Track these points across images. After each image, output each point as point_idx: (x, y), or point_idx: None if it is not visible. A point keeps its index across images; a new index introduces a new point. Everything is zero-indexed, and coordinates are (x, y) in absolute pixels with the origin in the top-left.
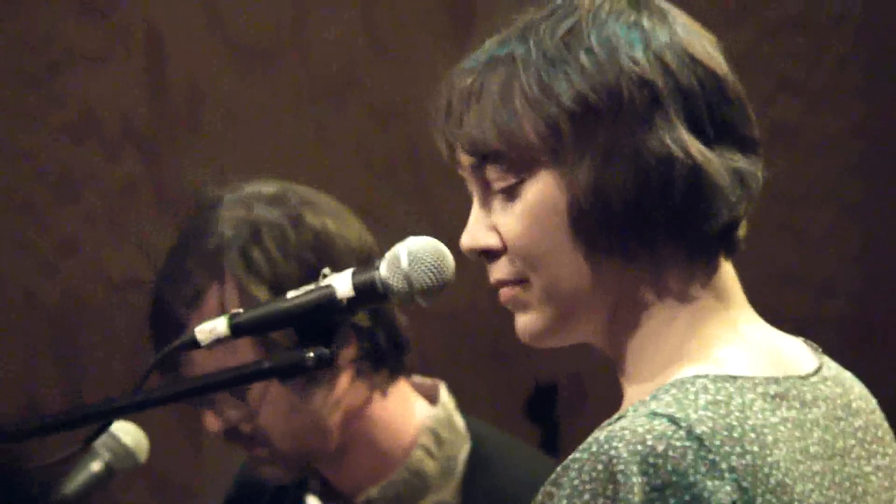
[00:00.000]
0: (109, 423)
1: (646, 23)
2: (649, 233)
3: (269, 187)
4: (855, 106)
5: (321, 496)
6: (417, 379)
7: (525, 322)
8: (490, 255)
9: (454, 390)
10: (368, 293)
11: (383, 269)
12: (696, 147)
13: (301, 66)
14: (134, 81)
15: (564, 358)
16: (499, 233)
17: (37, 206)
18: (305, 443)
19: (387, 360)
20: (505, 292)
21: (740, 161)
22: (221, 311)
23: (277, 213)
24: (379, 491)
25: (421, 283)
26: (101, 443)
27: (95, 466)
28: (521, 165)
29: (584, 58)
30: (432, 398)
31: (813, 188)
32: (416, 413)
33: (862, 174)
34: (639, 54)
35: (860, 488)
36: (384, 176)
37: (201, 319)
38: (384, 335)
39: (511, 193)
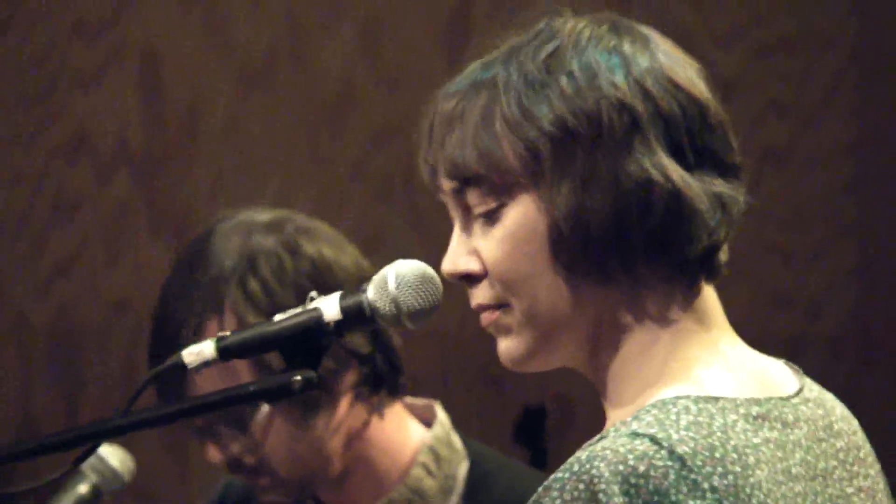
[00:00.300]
0: (97, 446)
1: (627, 48)
2: (629, 256)
3: (264, 215)
4: (845, 127)
5: None
6: (410, 400)
7: (507, 346)
8: (471, 279)
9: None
10: (356, 316)
11: (371, 292)
12: (675, 172)
13: (298, 87)
14: (129, 101)
15: (553, 381)
16: (480, 257)
17: (31, 227)
18: (308, 469)
19: (385, 383)
20: (486, 317)
21: (721, 186)
22: None
23: (274, 241)
24: None
25: (409, 307)
26: (88, 465)
27: (82, 489)
28: (500, 189)
29: (564, 82)
30: (428, 418)
31: (803, 208)
32: (412, 434)
33: (852, 194)
34: (619, 79)
35: None
36: (380, 196)
37: None
38: (382, 358)
39: (491, 217)
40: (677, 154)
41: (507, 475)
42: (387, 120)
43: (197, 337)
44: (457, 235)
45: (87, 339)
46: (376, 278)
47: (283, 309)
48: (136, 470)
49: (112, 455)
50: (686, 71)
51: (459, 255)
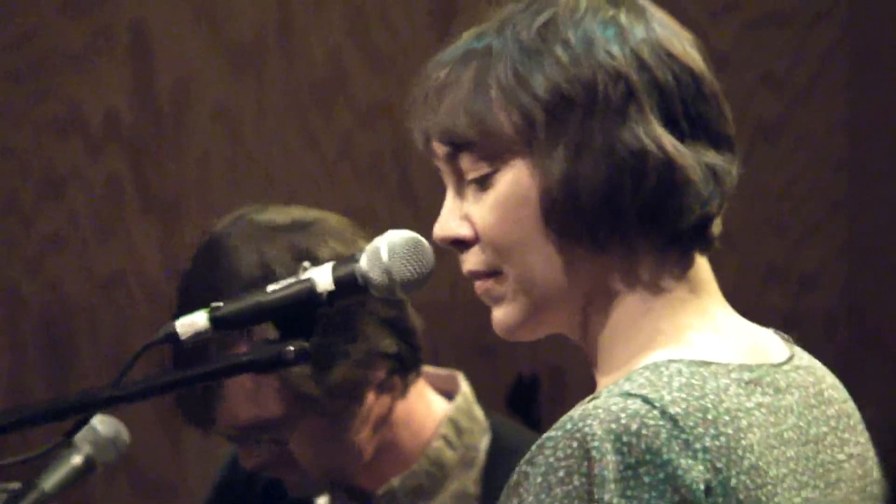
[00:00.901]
0: (90, 417)
1: (623, 19)
2: (621, 225)
3: (279, 216)
4: (839, 101)
5: (345, 492)
6: (432, 370)
7: (500, 315)
8: (462, 244)
9: None
10: (349, 286)
11: (363, 262)
12: (669, 141)
13: (287, 67)
14: (119, 79)
15: (546, 351)
16: (471, 223)
17: (21, 203)
18: (338, 465)
19: (410, 370)
20: (479, 285)
21: (714, 157)
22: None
23: (287, 247)
24: (399, 482)
25: (401, 276)
26: (80, 436)
27: (76, 460)
28: (493, 155)
29: (559, 50)
30: (450, 390)
31: (796, 183)
32: (434, 407)
33: (846, 169)
34: (615, 48)
35: (833, 475)
36: (370, 177)
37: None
38: (407, 349)
39: (484, 183)
40: (672, 124)
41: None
42: (375, 100)
43: (222, 351)
44: (449, 200)
45: (78, 315)
46: (369, 248)
47: None
48: (130, 442)
49: (106, 425)
50: (681, 42)
51: (451, 220)
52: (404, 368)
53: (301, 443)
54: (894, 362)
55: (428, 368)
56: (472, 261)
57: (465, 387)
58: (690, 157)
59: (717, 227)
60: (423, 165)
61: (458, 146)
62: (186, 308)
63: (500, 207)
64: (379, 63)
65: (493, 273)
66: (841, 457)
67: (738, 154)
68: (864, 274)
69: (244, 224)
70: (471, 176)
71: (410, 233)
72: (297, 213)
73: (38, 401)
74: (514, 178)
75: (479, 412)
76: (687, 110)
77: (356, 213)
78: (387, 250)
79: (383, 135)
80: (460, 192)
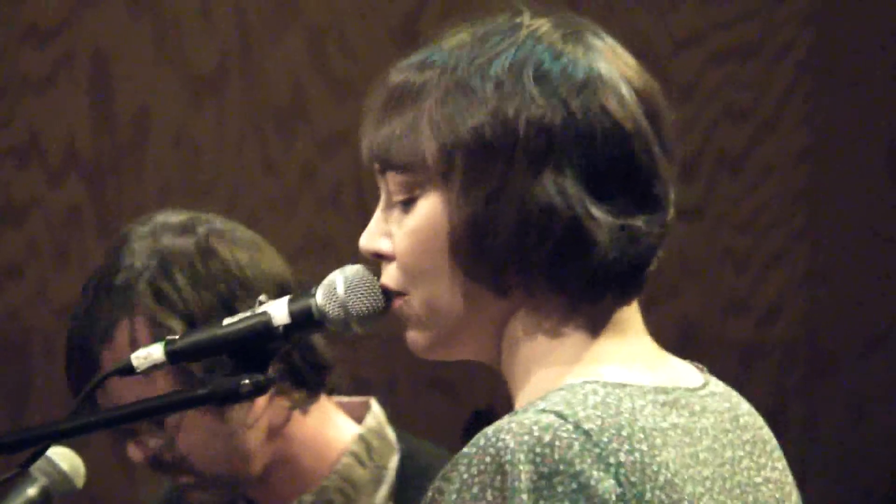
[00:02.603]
0: (45, 448)
1: (566, 62)
2: (525, 274)
3: (177, 216)
4: (801, 133)
5: None
6: (345, 399)
7: (410, 336)
8: (383, 258)
9: (393, 416)
10: (305, 320)
11: (319, 297)
12: (580, 201)
13: (247, 94)
14: (79, 107)
15: (504, 385)
16: (392, 240)
17: None
18: (229, 466)
19: (305, 379)
20: (395, 301)
21: (634, 218)
22: (134, 345)
23: (186, 243)
24: (312, 498)
25: (357, 310)
26: (37, 467)
27: (32, 491)
28: (415, 182)
29: (490, 91)
30: (362, 414)
31: (758, 214)
32: (341, 429)
33: (807, 201)
34: (543, 98)
35: (751, 497)
36: (330, 203)
37: (114, 354)
38: (299, 355)
39: (405, 207)
40: (592, 181)
41: (441, 466)
42: (336, 127)
43: (106, 343)
44: (378, 213)
45: (35, 343)
46: (325, 282)
47: (198, 310)
48: (86, 473)
49: (62, 458)
50: (622, 95)
51: (375, 234)
52: (298, 377)
53: (189, 437)
54: (853, 393)
55: (343, 398)
56: (387, 276)
57: (376, 408)
58: (602, 218)
59: (649, 269)
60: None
61: (385, 166)
62: (84, 305)
63: (414, 234)
64: (340, 90)
65: (401, 293)
66: (758, 480)
67: (667, 209)
68: (825, 305)
69: (142, 224)
70: (395, 198)
71: (363, 267)
72: (199, 214)
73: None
74: (431, 208)
75: (390, 432)
76: (611, 168)
77: (316, 241)
78: (342, 284)
79: (344, 163)
80: (388, 208)
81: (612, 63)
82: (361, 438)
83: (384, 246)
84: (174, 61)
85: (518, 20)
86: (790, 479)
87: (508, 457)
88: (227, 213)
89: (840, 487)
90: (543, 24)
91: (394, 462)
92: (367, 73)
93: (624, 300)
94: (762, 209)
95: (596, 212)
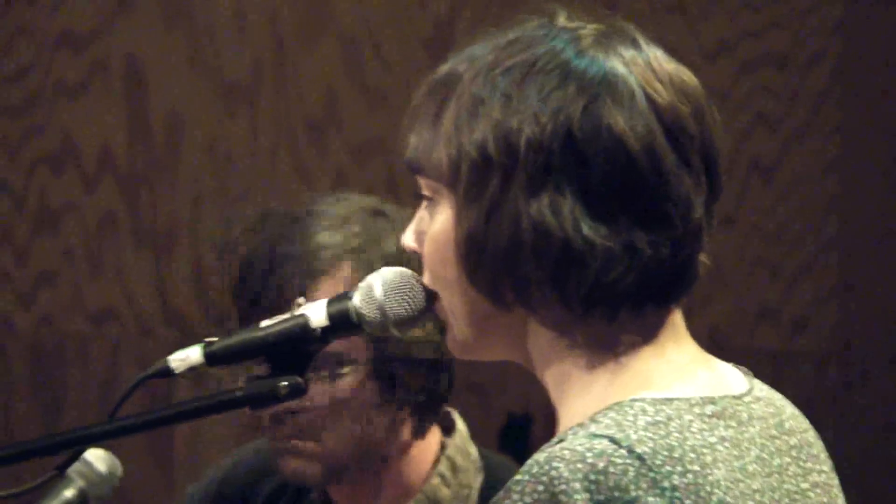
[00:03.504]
0: (83, 450)
1: (580, 71)
2: (520, 290)
3: (364, 201)
4: (831, 143)
5: None
6: None
7: (449, 336)
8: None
9: None
10: (342, 323)
11: (357, 299)
12: (574, 222)
13: (281, 101)
14: (114, 113)
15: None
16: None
17: (15, 237)
18: (350, 452)
19: (428, 406)
20: (437, 304)
21: (637, 235)
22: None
23: (384, 223)
24: None
25: (395, 313)
26: (74, 469)
27: (69, 493)
28: (435, 187)
29: (499, 106)
30: (446, 425)
31: (789, 224)
32: (430, 441)
33: (838, 210)
34: (544, 116)
35: None
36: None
37: (335, 286)
38: (431, 395)
39: (431, 211)
40: (591, 201)
41: None
42: (369, 135)
43: (328, 273)
44: (419, 212)
45: (70, 350)
46: (362, 285)
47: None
48: (122, 475)
49: (99, 459)
50: (638, 109)
51: (412, 232)
52: (428, 414)
53: (346, 410)
54: (884, 403)
55: None
56: (425, 275)
57: (460, 424)
58: (595, 240)
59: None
60: (416, 201)
61: (413, 171)
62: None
63: (433, 241)
64: (373, 98)
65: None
66: (805, 486)
67: (673, 229)
68: (855, 315)
69: (329, 202)
70: (425, 201)
71: (404, 270)
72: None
73: (32, 436)
74: (445, 217)
75: (473, 450)
76: (611, 188)
77: None
78: (380, 287)
79: (377, 171)
80: (425, 210)
81: (634, 72)
82: (447, 458)
83: (419, 247)
84: (208, 69)
85: (552, 23)
86: (836, 481)
87: (563, 486)
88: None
89: (870, 498)
90: (576, 28)
91: (478, 482)
92: (400, 81)
93: (648, 313)
94: (793, 218)
95: (589, 233)
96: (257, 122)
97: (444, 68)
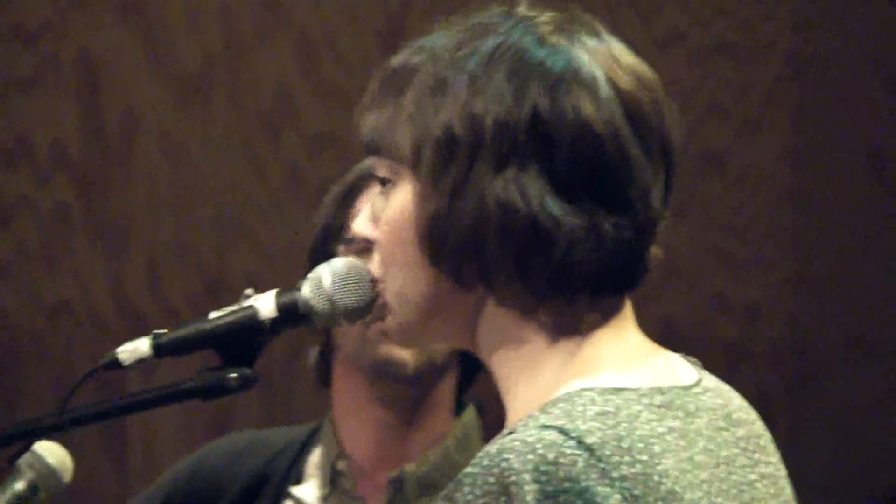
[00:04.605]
0: (32, 442)
1: (544, 55)
2: (486, 270)
3: None
4: (785, 132)
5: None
6: None
7: (386, 324)
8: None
9: None
10: (291, 314)
11: (306, 290)
12: (540, 200)
13: (234, 96)
14: (66, 108)
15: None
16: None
17: None
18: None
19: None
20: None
21: (603, 220)
22: None
23: None
24: (414, 468)
25: (344, 304)
26: (24, 462)
27: (19, 486)
28: (392, 168)
29: (464, 87)
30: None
31: (742, 214)
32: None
33: (791, 200)
34: (511, 97)
35: (747, 495)
36: (317, 205)
37: None
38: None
39: (387, 193)
40: (556, 182)
41: None
42: (322, 129)
43: None
44: (371, 199)
45: (24, 345)
46: (312, 276)
47: None
48: (73, 468)
49: (49, 452)
50: (602, 94)
51: (366, 219)
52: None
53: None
54: (840, 393)
55: None
56: (373, 262)
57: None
58: (562, 218)
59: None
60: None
61: (371, 152)
62: None
63: (391, 221)
64: (327, 91)
65: (380, 280)
66: (753, 477)
67: (641, 213)
68: (810, 304)
69: None
70: (380, 182)
71: (354, 261)
72: None
73: None
74: (403, 198)
75: (478, 442)
76: (577, 169)
77: (303, 243)
78: (329, 277)
79: (331, 165)
80: (378, 196)
81: (597, 60)
82: (463, 425)
83: (368, 231)
84: (161, 63)
85: (512, 11)
86: (783, 472)
87: (514, 477)
88: (213, 214)
89: (825, 491)
90: (536, 16)
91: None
92: (354, 75)
93: (603, 300)
94: (746, 208)
95: (556, 211)
96: (211, 116)
97: (405, 52)
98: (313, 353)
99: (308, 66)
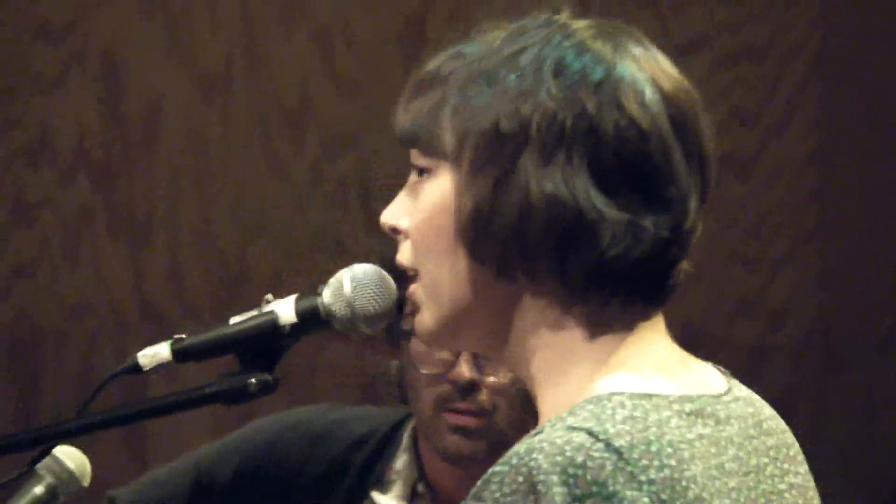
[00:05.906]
0: (52, 447)
1: (589, 58)
2: (528, 261)
3: None
4: (810, 135)
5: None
6: None
7: (417, 320)
8: (400, 234)
9: None
10: (312, 319)
11: (326, 296)
12: (586, 193)
13: (255, 93)
14: (89, 105)
15: None
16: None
17: None
18: (514, 433)
19: None
20: (411, 287)
21: (643, 218)
22: None
23: None
24: None
25: (364, 310)
26: (43, 466)
27: (38, 490)
28: (430, 159)
29: (511, 82)
30: None
31: (767, 217)
32: None
33: (816, 203)
34: (559, 92)
35: None
36: (336, 202)
37: None
38: None
39: (422, 184)
40: (600, 176)
41: None
42: (343, 126)
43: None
44: (403, 191)
45: (46, 342)
46: (332, 281)
47: None
48: (92, 472)
49: (68, 457)
50: (648, 95)
51: (396, 210)
52: None
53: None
54: (864, 395)
55: None
56: (402, 254)
57: None
58: (606, 212)
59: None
60: (390, 193)
61: (408, 144)
62: None
63: (425, 211)
64: (347, 90)
65: (415, 274)
66: (782, 486)
67: (682, 213)
68: (834, 307)
69: None
70: (415, 175)
71: (375, 267)
72: None
73: (8, 430)
74: (443, 189)
75: None
76: (622, 165)
77: (323, 241)
78: (350, 283)
79: (350, 162)
80: (412, 187)
81: (641, 66)
82: None
83: (402, 222)
84: (183, 60)
85: (554, 17)
86: (812, 483)
87: (542, 477)
88: (235, 211)
89: (848, 489)
90: (578, 23)
91: None
92: (374, 72)
93: (636, 306)
94: (771, 211)
95: (601, 205)
96: (232, 113)
97: (441, 56)
98: (394, 368)
99: (328, 63)
